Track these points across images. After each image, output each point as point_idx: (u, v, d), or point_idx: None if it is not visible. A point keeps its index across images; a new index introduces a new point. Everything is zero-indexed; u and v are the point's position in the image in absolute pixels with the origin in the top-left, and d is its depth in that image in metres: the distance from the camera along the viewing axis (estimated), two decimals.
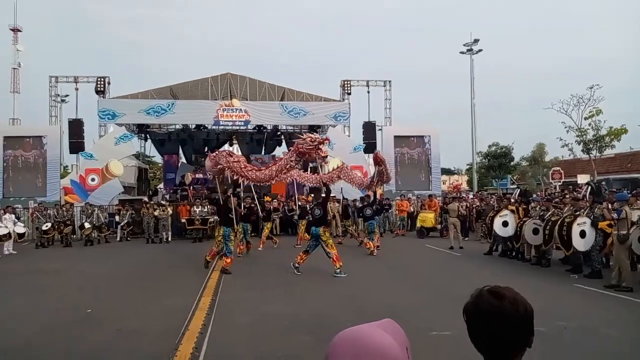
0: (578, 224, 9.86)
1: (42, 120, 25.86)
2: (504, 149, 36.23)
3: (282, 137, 30.22)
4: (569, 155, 29.42)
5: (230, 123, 25.10)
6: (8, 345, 5.79)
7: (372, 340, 1.11)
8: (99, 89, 24.14)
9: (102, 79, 24.32)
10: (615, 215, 8.93)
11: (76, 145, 23.40)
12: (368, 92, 26.68)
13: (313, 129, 28.69)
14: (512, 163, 37.17)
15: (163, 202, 20.84)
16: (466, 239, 16.94)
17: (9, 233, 15.09)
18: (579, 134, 26.62)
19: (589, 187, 11.05)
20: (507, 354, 1.32)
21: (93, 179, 22.12)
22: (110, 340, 5.92)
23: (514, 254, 12.84)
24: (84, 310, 7.33)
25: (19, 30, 59.30)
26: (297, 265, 10.52)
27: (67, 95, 30.37)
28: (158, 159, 37.49)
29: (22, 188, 22.47)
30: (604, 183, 21.61)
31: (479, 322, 1.33)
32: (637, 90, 76.80)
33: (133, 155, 27.27)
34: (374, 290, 8.79)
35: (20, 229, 16.39)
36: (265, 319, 6.87)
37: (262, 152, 31.10)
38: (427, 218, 19.17)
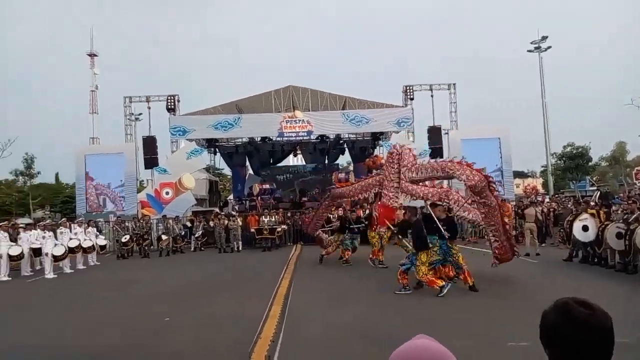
0: None
1: (118, 139, 27.57)
2: (580, 149, 34.28)
3: (345, 145, 30.30)
4: None
5: (294, 134, 25.55)
6: (93, 351, 6.14)
7: (432, 348, 1.19)
8: (169, 106, 25.44)
9: (172, 97, 25.60)
10: None
11: (150, 161, 24.71)
12: (432, 96, 26.24)
13: (376, 136, 28.63)
14: (590, 164, 35.08)
15: (233, 213, 21.48)
16: (543, 245, 16.11)
17: (93, 245, 16.14)
18: None
19: None
20: None
21: (167, 193, 23.26)
22: (187, 347, 6.13)
23: (596, 260, 12.05)
24: (162, 318, 7.65)
25: (95, 55, 63.56)
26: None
27: (140, 114, 32.13)
28: (227, 171, 38.82)
29: (103, 203, 24.07)
30: None
31: (571, 332, 1.26)
32: None
33: (204, 168, 28.41)
34: (447, 301, 8.54)
35: (101, 241, 17.51)
36: (333, 326, 6.86)
37: (326, 162, 31.35)
38: None
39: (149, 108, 26.51)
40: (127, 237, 18.37)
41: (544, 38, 31.14)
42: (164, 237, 18.75)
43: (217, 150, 31.00)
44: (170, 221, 19.68)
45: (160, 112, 26.30)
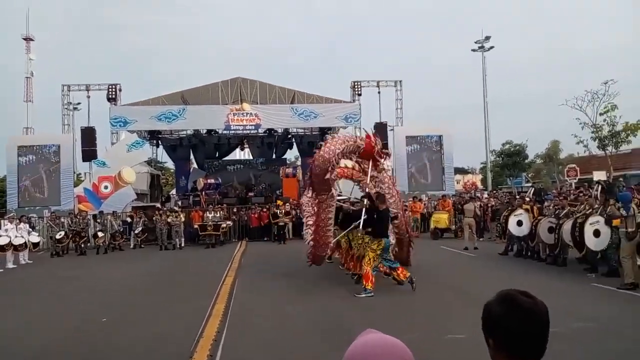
0: (591, 224, 9.68)
1: (55, 129, 26.23)
2: (517, 147, 35.86)
3: (293, 140, 30.23)
4: (585, 152, 29.12)
5: (241, 127, 25.20)
6: (27, 352, 5.84)
7: (386, 341, 1.22)
8: (110, 96, 24.44)
9: (114, 87, 24.61)
10: (624, 213, 8.77)
11: (89, 153, 23.65)
12: (379, 92, 26.61)
13: (324, 131, 28.74)
14: (526, 161, 36.78)
15: (176, 209, 20.94)
16: (481, 239, 16.75)
17: (25, 243, 15.24)
18: (594, 130, 26.28)
19: (600, 186, 10.86)
20: (541, 351, 1.32)
21: (106, 187, 22.32)
22: (125, 347, 5.93)
23: (529, 253, 12.66)
24: (99, 319, 7.36)
25: (31, 40, 60.12)
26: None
27: (79, 103, 30.75)
28: (170, 164, 37.76)
29: (36, 197, 22.78)
30: (621, 179, 21.27)
31: (516, 320, 1.30)
32: None
33: (145, 161, 27.49)
34: (388, 293, 8.71)
35: (34, 238, 16.52)
36: (277, 323, 6.85)
37: (273, 156, 31.16)
38: (441, 219, 19.00)
39: (89, 97, 25.37)
40: (62, 233, 17.49)
41: (487, 38, 32.25)
42: (100, 234, 18.00)
43: (159, 142, 30.09)
44: (109, 217, 18.93)
45: (100, 101, 25.23)
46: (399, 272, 9.10)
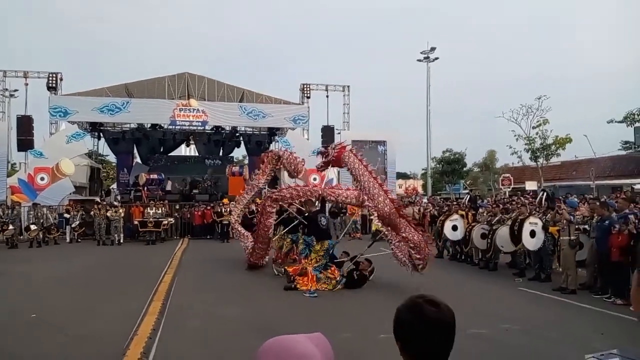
0: (530, 223, 10.28)
1: None
2: (457, 155, 37.24)
3: (241, 138, 30.04)
4: (518, 162, 30.69)
5: (187, 123, 24.83)
6: None
7: (296, 350, 1.22)
8: (50, 85, 23.46)
9: (54, 75, 23.63)
10: (572, 219, 9.33)
11: (25, 143, 22.56)
12: (327, 96, 26.98)
13: (272, 131, 28.77)
14: (464, 169, 38.24)
15: (115, 203, 20.35)
16: None
17: None
18: (528, 142, 27.81)
19: (545, 193, 11.57)
20: (445, 355, 1.40)
21: (42, 178, 21.37)
22: (56, 345, 5.80)
23: (463, 257, 13.29)
24: (29, 315, 7.13)
25: None
26: None
27: (16, 90, 29.24)
28: (112, 158, 36.50)
29: None
30: (550, 190, 22.63)
31: (422, 330, 1.37)
32: (579, 102, 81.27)
33: (85, 154, 26.51)
34: (325, 294, 8.92)
35: None
36: (215, 322, 6.89)
37: (220, 154, 30.84)
38: None
39: (27, 84, 24.17)
40: None
41: (433, 49, 33.33)
42: (32, 227, 17.23)
43: (101, 135, 29.10)
44: (44, 209, 18.15)
45: (39, 90, 24.12)
46: (330, 270, 9.31)
